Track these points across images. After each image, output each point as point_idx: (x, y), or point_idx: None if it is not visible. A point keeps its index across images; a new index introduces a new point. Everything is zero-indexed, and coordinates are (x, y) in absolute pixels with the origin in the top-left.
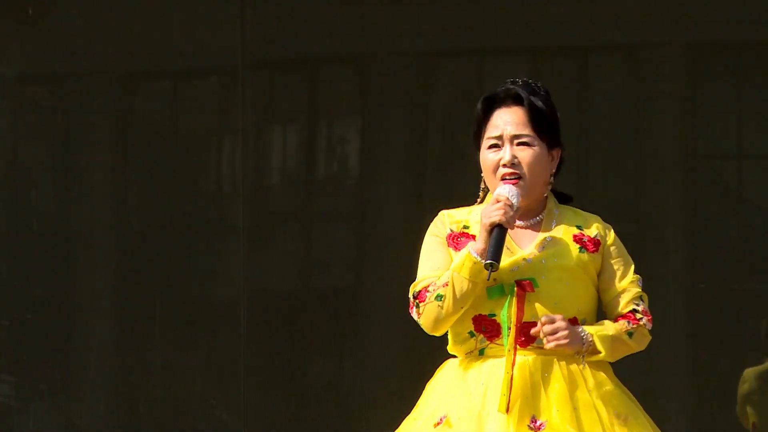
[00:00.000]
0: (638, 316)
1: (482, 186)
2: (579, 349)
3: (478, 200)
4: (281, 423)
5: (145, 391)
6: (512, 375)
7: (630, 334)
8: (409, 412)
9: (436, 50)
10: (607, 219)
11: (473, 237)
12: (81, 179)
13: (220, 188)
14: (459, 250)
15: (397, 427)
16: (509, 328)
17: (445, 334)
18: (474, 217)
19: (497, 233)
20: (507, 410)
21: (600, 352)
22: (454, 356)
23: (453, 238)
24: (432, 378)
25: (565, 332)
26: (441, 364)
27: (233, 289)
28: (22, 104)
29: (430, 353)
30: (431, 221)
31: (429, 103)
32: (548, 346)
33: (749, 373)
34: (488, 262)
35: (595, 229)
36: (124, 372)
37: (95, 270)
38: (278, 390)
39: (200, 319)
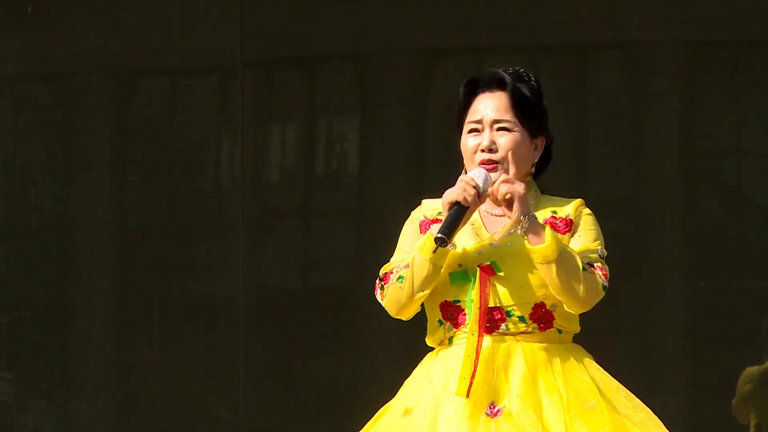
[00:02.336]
0: (594, 267)
1: (463, 172)
2: (526, 213)
3: None
4: (280, 420)
5: (144, 389)
6: (477, 359)
7: (584, 268)
8: None
9: (435, 48)
10: (606, 217)
11: None
12: (80, 177)
13: (219, 186)
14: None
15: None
16: (473, 313)
17: (407, 336)
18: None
19: (454, 210)
20: (467, 394)
21: (544, 242)
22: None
23: (425, 225)
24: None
25: (522, 186)
26: None
27: (232, 286)
28: (20, 102)
29: (429, 351)
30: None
31: (428, 101)
32: (503, 190)
33: (753, 373)
34: (438, 236)
35: (569, 209)
36: (124, 370)
37: (94, 267)
38: (277, 387)
39: (199, 316)
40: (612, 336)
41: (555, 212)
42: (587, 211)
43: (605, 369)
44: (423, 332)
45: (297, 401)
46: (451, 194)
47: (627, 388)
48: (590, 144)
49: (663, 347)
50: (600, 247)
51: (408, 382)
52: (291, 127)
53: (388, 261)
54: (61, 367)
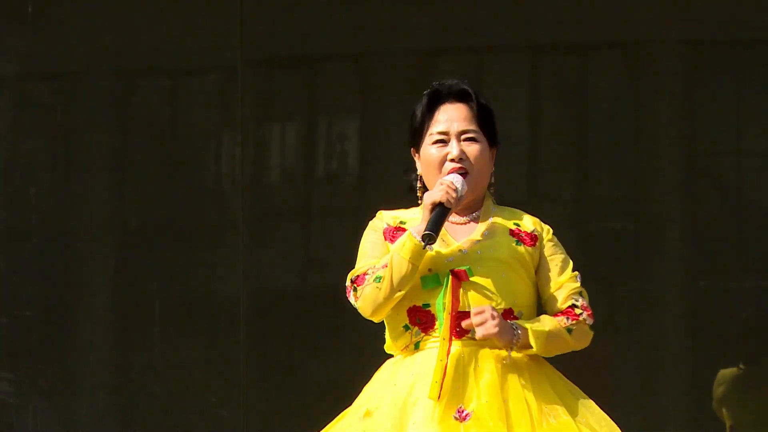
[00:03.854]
0: (578, 311)
1: (419, 185)
2: (510, 342)
3: (419, 201)
4: (281, 420)
5: (144, 389)
6: (447, 363)
7: (569, 330)
8: None
9: (435, 47)
10: (605, 217)
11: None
12: (80, 176)
13: (219, 185)
14: (393, 242)
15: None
16: (444, 317)
17: (384, 336)
18: (410, 215)
19: (438, 210)
20: (438, 397)
21: (531, 347)
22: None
23: (390, 232)
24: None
25: (495, 321)
26: None
27: (233, 286)
28: (21, 101)
29: None
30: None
31: None
32: (478, 335)
33: (725, 375)
34: (426, 233)
35: (531, 224)
36: (124, 369)
37: (94, 267)
38: (278, 387)
39: (200, 316)
40: (612, 336)
41: (518, 225)
42: (549, 231)
43: (605, 368)
44: None
45: (297, 401)
46: (434, 196)
47: (627, 388)
48: (590, 144)
49: (663, 347)
50: (576, 273)
51: (367, 387)
52: (291, 126)
53: (357, 269)
54: (61, 367)
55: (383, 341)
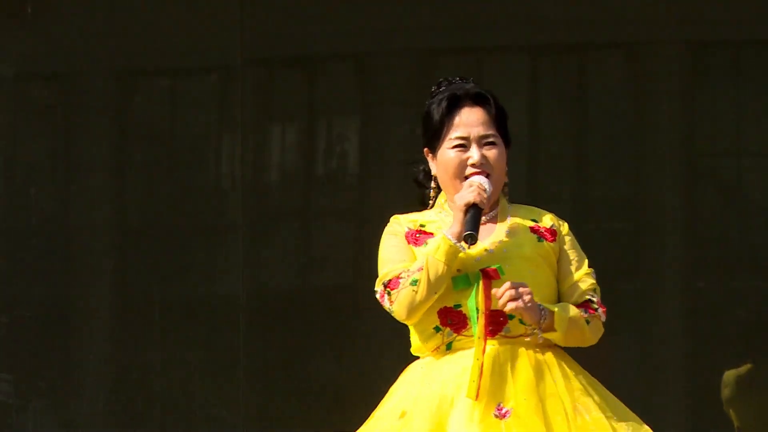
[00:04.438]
0: (594, 306)
1: (432, 185)
2: (537, 320)
3: (431, 203)
4: (280, 420)
5: (143, 389)
6: (482, 362)
7: (587, 321)
8: None
9: (435, 47)
10: (605, 217)
11: (431, 234)
12: (80, 177)
13: (219, 185)
14: (418, 245)
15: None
16: (477, 316)
17: (408, 338)
18: (428, 218)
19: (473, 211)
20: (476, 397)
21: (555, 330)
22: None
23: (411, 235)
24: (395, 382)
25: (529, 296)
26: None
27: (232, 286)
28: (20, 102)
29: None
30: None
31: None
32: (508, 308)
33: (729, 377)
34: (468, 233)
35: (549, 220)
36: (123, 370)
37: (94, 267)
38: (277, 387)
39: (199, 316)
40: (612, 336)
41: (536, 221)
42: (566, 226)
43: (605, 368)
44: None
45: (297, 401)
46: (467, 197)
47: (626, 388)
48: (590, 144)
49: (663, 347)
50: (591, 270)
51: (397, 388)
52: (291, 126)
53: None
54: (61, 367)
55: (381, 342)
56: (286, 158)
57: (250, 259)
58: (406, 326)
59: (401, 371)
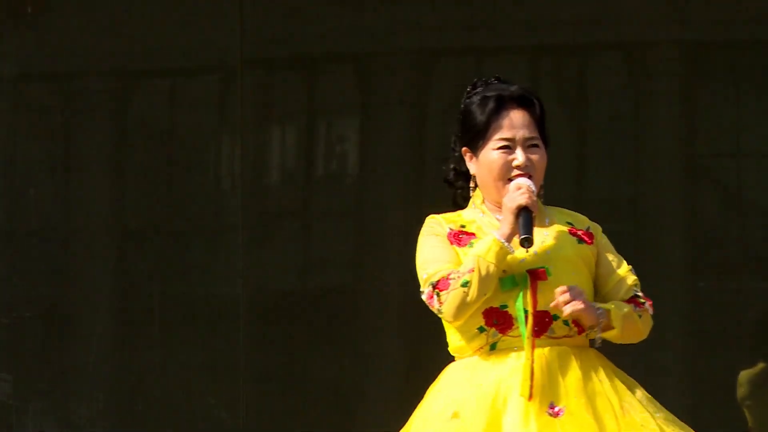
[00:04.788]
0: (641, 300)
1: (471, 184)
2: (594, 321)
3: (471, 201)
4: (280, 421)
5: (143, 390)
6: (533, 361)
7: (639, 316)
8: (408, 410)
9: (435, 48)
10: (605, 218)
11: (473, 235)
12: (80, 177)
13: (218, 186)
14: (462, 246)
15: (398, 428)
16: (525, 317)
17: (443, 336)
18: (467, 217)
19: (525, 214)
20: (530, 396)
21: (613, 328)
22: (453, 359)
23: (454, 236)
24: (435, 382)
25: (582, 298)
26: (439, 360)
27: (232, 287)
28: (20, 103)
29: (429, 351)
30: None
31: (428, 101)
32: (566, 312)
33: (743, 377)
34: (524, 237)
35: (584, 223)
36: (123, 370)
37: (94, 268)
38: (277, 388)
39: (199, 317)
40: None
41: (572, 224)
42: (599, 228)
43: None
44: (421, 332)
45: (297, 401)
46: (518, 200)
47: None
48: (590, 144)
49: (663, 347)
50: (631, 267)
51: (443, 389)
52: (291, 127)
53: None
54: (61, 367)
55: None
56: (286, 159)
57: (250, 260)
58: (404, 326)
59: (400, 371)
